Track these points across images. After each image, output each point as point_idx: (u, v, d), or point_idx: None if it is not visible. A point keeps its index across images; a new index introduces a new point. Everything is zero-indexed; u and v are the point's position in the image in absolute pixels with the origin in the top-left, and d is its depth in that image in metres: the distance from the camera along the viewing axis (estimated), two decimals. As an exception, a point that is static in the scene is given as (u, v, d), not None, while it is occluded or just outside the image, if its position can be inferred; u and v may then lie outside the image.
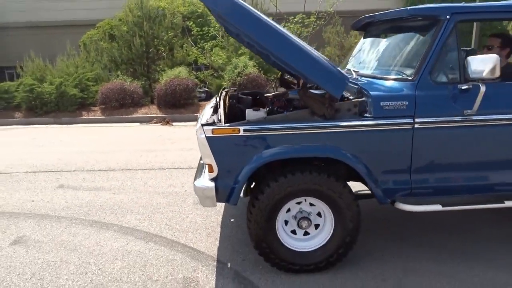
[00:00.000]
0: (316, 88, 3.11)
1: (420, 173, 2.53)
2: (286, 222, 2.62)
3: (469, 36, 11.28)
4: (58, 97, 9.92)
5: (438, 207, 2.53)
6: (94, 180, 4.80)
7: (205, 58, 11.15)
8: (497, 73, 2.21)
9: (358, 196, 2.88)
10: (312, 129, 2.41)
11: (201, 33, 11.84)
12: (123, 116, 9.81)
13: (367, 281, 2.53)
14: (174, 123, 9.10)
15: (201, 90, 11.44)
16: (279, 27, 2.45)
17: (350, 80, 2.74)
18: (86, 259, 2.89)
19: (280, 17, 11.07)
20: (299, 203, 2.59)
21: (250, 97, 3.19)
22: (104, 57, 11.28)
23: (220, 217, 3.59)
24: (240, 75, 9.45)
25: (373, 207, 3.26)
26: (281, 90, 3.75)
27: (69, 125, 9.43)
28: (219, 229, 3.35)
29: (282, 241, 2.57)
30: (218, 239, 3.17)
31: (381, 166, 2.50)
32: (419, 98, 2.39)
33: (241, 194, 2.75)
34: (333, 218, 2.55)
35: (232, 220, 3.52)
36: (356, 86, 2.63)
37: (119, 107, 10.02)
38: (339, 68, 2.47)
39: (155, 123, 9.34)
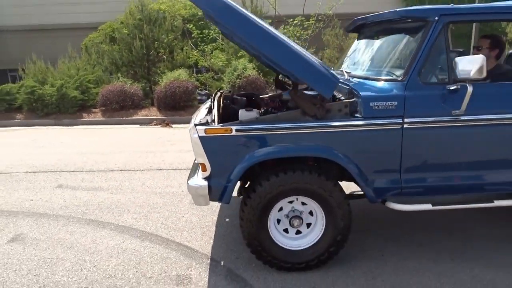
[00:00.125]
0: (311, 90, 3.16)
1: (410, 173, 2.56)
2: (278, 221, 2.66)
3: (469, 37, 11.31)
4: (59, 99, 9.99)
5: (428, 206, 2.56)
6: (93, 180, 4.85)
7: (205, 61, 11.22)
8: (484, 73, 2.24)
9: (351, 196, 2.92)
10: (303, 129, 2.45)
11: (202, 35, 11.92)
12: (123, 118, 9.87)
13: (358, 278, 2.56)
14: (173, 125, 9.15)
15: (202, 93, 11.47)
16: (270, 28, 2.50)
17: (341, 81, 2.79)
18: (82, 257, 2.94)
19: (279, 20, 11.13)
20: (291, 202, 2.63)
21: (245, 98, 3.24)
22: (105, 60, 11.36)
23: (215, 216, 3.63)
24: (240, 77, 9.51)
25: (367, 207, 3.29)
26: (279, 91, 3.79)
27: (69, 127, 9.50)
28: (214, 228, 3.39)
29: (274, 239, 2.61)
30: (213, 238, 3.21)
31: (371, 165, 2.54)
32: (408, 99, 2.43)
33: (235, 194, 2.80)
34: (324, 217, 2.59)
35: (227, 219, 3.56)
36: (348, 87, 2.67)
37: (120, 109, 10.09)
38: (329, 69, 2.52)
39: (155, 125, 9.39)
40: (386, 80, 2.60)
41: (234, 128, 2.44)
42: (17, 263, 2.87)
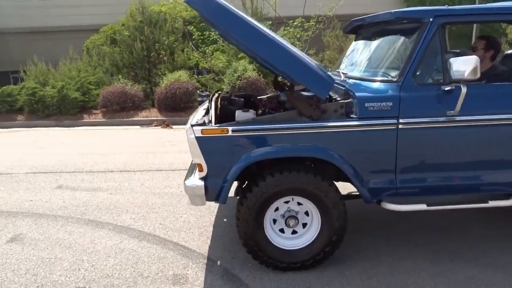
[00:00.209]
0: (308, 91, 3.17)
1: (405, 173, 2.57)
2: (274, 221, 2.68)
3: (469, 37, 11.31)
4: (60, 100, 10.04)
5: (423, 207, 2.58)
6: (92, 181, 4.88)
7: (206, 62, 11.25)
8: (478, 74, 2.26)
9: (347, 196, 2.93)
10: (298, 130, 2.47)
11: (202, 37, 11.96)
12: (124, 119, 9.90)
13: (353, 279, 2.57)
14: (174, 126, 9.18)
15: (203, 94, 11.50)
16: (266, 30, 2.52)
17: (337, 82, 2.81)
18: (80, 256, 2.96)
19: (279, 21, 11.16)
20: (287, 202, 2.64)
21: (242, 99, 3.26)
22: (106, 61, 11.42)
23: (213, 217, 3.65)
24: (240, 78, 9.53)
25: (363, 208, 3.30)
26: (278, 92, 3.81)
27: (70, 128, 9.54)
28: (211, 229, 3.40)
29: (270, 239, 2.63)
30: (210, 238, 3.23)
31: (366, 166, 2.55)
32: (403, 99, 2.44)
33: (233, 194, 2.81)
34: (319, 217, 2.61)
35: (225, 220, 3.58)
36: (344, 88, 2.69)
37: (120, 110, 10.13)
38: (325, 70, 2.53)
39: (155, 126, 9.42)
40: (381, 81, 2.62)
41: (230, 128, 2.46)
42: (16, 263, 2.90)
